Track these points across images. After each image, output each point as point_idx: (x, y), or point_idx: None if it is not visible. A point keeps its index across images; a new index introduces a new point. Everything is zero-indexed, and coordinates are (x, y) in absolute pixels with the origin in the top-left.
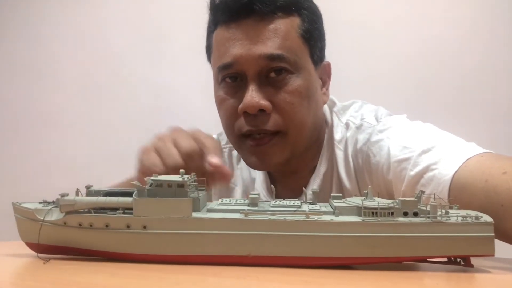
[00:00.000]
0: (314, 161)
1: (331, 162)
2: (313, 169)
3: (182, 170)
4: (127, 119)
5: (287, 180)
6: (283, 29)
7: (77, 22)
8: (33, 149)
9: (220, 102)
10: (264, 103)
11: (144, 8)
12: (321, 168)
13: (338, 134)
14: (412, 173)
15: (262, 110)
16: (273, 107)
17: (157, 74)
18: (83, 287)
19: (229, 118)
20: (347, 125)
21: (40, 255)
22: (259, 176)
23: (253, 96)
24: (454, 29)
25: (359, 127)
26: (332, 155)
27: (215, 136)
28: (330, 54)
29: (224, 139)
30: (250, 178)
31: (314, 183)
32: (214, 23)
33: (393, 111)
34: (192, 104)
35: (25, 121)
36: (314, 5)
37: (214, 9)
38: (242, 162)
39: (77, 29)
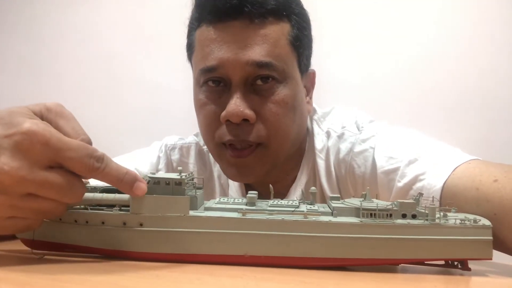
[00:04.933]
0: (295, 171)
1: (312, 172)
2: (294, 178)
3: (180, 168)
4: (124, 118)
5: (266, 189)
6: (273, 35)
7: (75, 22)
8: None
9: (200, 106)
10: (249, 112)
11: (141, 7)
12: (302, 177)
13: (319, 143)
14: (400, 184)
15: (245, 120)
16: (257, 117)
17: (154, 74)
18: (78, 284)
19: (210, 125)
20: (328, 134)
21: (34, 251)
22: (233, 183)
23: (237, 104)
24: (453, 33)
25: (340, 136)
26: (313, 164)
27: (193, 136)
28: (327, 58)
29: (202, 139)
30: (226, 183)
31: (295, 193)
32: (198, 20)
33: (392, 116)
34: (189, 104)
35: None
36: (305, 11)
37: (201, 6)
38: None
39: (75, 29)
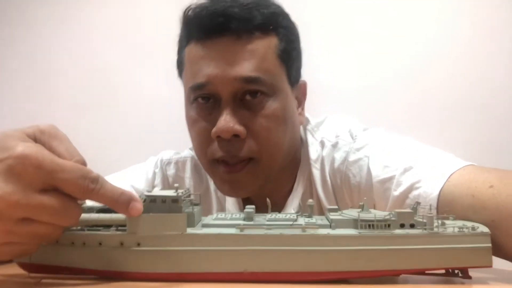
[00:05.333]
0: (290, 181)
1: (308, 182)
2: (290, 189)
3: (176, 184)
4: (121, 131)
5: (263, 201)
6: (260, 50)
7: (70, 35)
8: None
9: (192, 123)
10: (239, 128)
11: (138, 20)
12: (299, 188)
13: (314, 154)
14: (396, 193)
15: (236, 135)
16: (248, 132)
17: (151, 86)
18: None
19: (202, 142)
20: (322, 144)
21: (31, 274)
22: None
23: (227, 120)
24: (452, 33)
25: (334, 145)
26: (309, 175)
27: (189, 149)
28: (322, 63)
29: None
30: (223, 196)
31: (292, 204)
32: (187, 38)
33: (391, 117)
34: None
35: None
36: (292, 23)
37: (188, 24)
38: None
39: (71, 41)
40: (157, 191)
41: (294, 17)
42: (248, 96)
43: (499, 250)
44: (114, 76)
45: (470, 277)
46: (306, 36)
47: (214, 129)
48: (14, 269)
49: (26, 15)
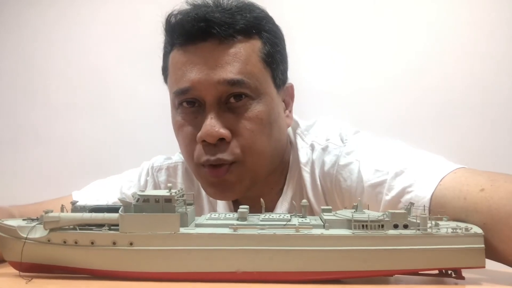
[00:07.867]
0: (279, 184)
1: (299, 185)
2: (279, 191)
3: (169, 184)
4: (115, 134)
5: (252, 204)
6: (243, 53)
7: (65, 36)
8: (17, 163)
9: (178, 128)
10: (224, 131)
11: (132, 23)
12: (289, 191)
13: (303, 157)
14: (388, 197)
15: (221, 139)
16: (233, 134)
17: (145, 89)
18: None
19: (188, 146)
20: (312, 147)
21: (22, 274)
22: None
23: (212, 124)
24: (450, 33)
25: (324, 149)
26: (299, 178)
27: (179, 154)
28: (312, 68)
29: None
30: (215, 200)
31: (282, 207)
32: (171, 44)
33: (382, 123)
34: None
35: (9, 135)
36: (276, 27)
37: (170, 31)
38: None
39: (65, 43)
40: (151, 191)
41: (286, 19)
42: (233, 99)
43: (490, 252)
44: (109, 78)
45: (463, 278)
46: (297, 37)
47: (199, 134)
48: (5, 269)
49: (20, 17)
